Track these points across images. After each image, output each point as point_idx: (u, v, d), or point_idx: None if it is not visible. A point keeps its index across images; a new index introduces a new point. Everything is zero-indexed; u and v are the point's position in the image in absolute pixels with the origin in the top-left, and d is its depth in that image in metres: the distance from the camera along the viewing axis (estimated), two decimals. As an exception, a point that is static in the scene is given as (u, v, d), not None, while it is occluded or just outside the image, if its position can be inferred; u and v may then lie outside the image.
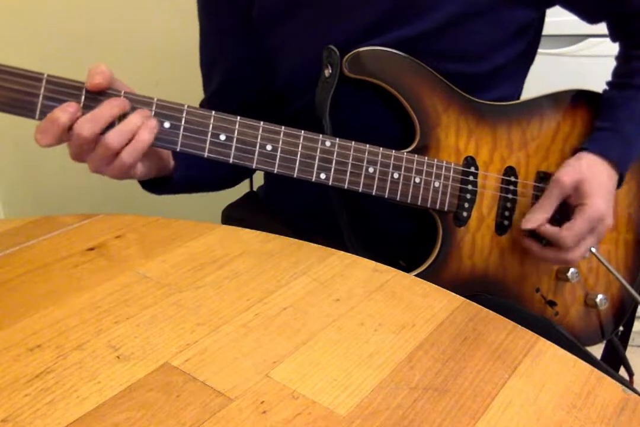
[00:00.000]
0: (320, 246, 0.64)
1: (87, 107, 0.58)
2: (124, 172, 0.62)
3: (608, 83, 0.81)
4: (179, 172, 0.72)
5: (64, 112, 0.57)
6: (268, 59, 0.79)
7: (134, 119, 0.59)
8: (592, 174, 0.73)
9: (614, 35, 0.82)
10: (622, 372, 0.87)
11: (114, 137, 0.58)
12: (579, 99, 0.80)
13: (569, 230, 0.72)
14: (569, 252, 0.73)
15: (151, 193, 0.76)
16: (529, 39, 0.78)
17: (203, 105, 0.87)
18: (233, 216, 0.90)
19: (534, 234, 0.75)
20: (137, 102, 0.60)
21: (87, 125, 0.58)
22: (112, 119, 0.59)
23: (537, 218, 0.74)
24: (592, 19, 0.80)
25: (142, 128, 0.59)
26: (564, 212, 0.75)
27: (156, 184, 0.73)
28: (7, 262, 0.60)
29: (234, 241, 0.64)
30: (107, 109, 0.58)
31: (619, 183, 0.77)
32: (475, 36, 0.72)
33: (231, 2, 0.76)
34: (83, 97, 0.58)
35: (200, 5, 0.81)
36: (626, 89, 0.78)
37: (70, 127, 0.58)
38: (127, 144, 0.59)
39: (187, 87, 0.94)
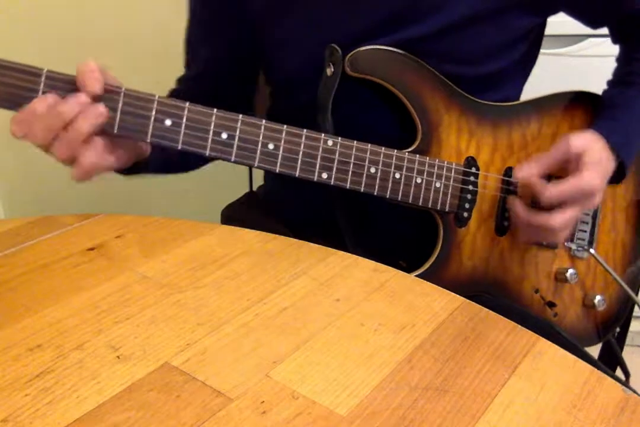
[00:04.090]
0: (320, 246, 0.64)
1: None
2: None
3: (608, 82, 0.81)
4: (154, 155, 0.70)
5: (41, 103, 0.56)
6: (264, 53, 0.79)
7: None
8: (595, 149, 0.71)
9: (615, 38, 0.82)
10: (619, 373, 0.88)
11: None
12: (580, 100, 0.80)
13: (556, 186, 0.69)
14: (550, 215, 0.71)
15: (124, 176, 0.73)
16: (531, 41, 0.78)
17: (181, 81, 0.89)
18: (233, 216, 0.90)
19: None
20: (138, 99, 0.60)
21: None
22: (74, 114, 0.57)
23: (531, 168, 0.71)
24: (595, 24, 0.80)
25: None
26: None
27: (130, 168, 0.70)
28: (7, 262, 0.60)
29: (234, 241, 0.64)
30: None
31: (621, 176, 0.76)
32: (479, 40, 0.72)
33: None
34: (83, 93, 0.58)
35: None
36: (627, 87, 0.78)
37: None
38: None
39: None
